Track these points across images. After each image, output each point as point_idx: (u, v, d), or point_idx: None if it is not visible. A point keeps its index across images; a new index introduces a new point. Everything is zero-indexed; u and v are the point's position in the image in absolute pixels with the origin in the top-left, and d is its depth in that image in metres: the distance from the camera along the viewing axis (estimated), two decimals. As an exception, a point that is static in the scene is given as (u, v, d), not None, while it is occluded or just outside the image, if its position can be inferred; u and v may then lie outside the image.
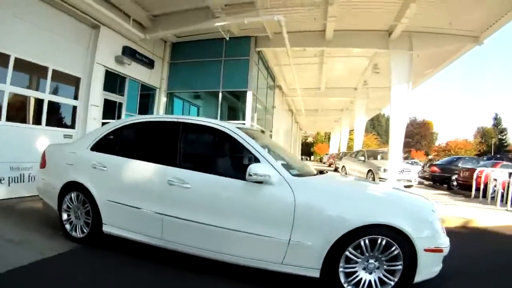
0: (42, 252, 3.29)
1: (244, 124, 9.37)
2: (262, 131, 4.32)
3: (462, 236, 5.24)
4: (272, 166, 2.91)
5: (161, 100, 9.84)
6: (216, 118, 9.64)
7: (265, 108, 12.65)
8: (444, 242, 2.73)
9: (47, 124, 6.14)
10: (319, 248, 2.63)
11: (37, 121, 6.06)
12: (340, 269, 2.60)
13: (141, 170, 3.40)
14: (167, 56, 9.87)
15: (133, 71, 8.30)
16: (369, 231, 2.58)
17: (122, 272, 3.10)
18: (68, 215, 3.75)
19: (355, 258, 2.60)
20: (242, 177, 2.86)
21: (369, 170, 11.32)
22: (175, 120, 3.56)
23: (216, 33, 8.24)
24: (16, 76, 5.52)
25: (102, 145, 3.75)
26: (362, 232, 2.57)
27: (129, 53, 7.84)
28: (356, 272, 2.61)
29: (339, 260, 2.59)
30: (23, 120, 5.90)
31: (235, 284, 2.94)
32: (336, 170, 16.84)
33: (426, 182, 14.47)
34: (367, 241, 2.57)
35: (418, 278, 2.60)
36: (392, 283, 2.58)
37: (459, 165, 12.70)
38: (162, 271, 3.15)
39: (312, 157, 58.16)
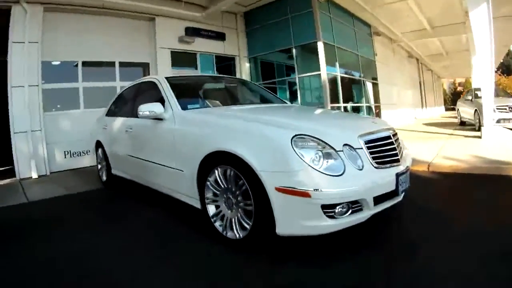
0: (73, 190, 4.64)
1: (319, 73, 9.10)
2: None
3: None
4: (169, 103, 3.03)
5: (243, 66, 10.42)
6: (294, 71, 9.81)
7: (357, 56, 11.52)
8: (317, 184, 1.89)
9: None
10: (190, 177, 2.58)
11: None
12: (207, 201, 2.48)
13: (119, 124, 4.06)
14: (240, 26, 10.30)
15: (202, 46, 9.02)
16: (221, 160, 2.31)
17: (108, 202, 4.01)
18: (100, 166, 4.85)
19: (215, 190, 2.42)
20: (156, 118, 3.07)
21: (475, 110, 8.88)
22: (137, 81, 4.10)
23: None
24: (88, 73, 7.06)
25: (109, 111, 4.64)
26: (216, 161, 2.35)
27: (191, 32, 8.57)
28: (219, 206, 2.43)
29: (204, 191, 2.48)
30: (100, 106, 7.37)
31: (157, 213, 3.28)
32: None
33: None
34: (220, 171, 2.34)
35: (281, 229, 2.01)
36: (248, 227, 2.17)
37: None
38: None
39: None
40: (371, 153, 2.21)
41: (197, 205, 2.62)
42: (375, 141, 2.32)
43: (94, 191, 4.55)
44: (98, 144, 4.71)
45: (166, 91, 3.19)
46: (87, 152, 6.79)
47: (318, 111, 3.48)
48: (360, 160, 2.13)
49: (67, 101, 6.94)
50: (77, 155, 6.87)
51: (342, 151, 2.08)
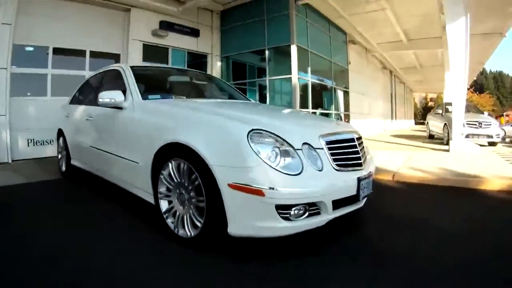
0: (32, 179, 4.44)
1: (290, 77, 9.09)
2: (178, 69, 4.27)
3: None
4: (130, 92, 2.88)
5: (215, 64, 10.22)
6: (265, 74, 9.67)
7: (330, 63, 11.63)
8: (272, 182, 1.79)
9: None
10: (145, 169, 2.41)
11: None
12: (160, 195, 2.32)
13: (81, 112, 3.83)
14: (215, 23, 10.13)
15: (175, 41, 8.79)
16: (175, 153, 2.17)
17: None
18: (60, 155, 4.56)
19: (168, 185, 2.26)
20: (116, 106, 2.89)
21: (445, 124, 9.10)
22: (102, 69, 3.90)
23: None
24: (58, 60, 6.73)
25: (73, 99, 4.39)
26: (170, 154, 2.21)
27: (166, 26, 8.36)
28: (172, 202, 2.28)
29: (157, 185, 2.32)
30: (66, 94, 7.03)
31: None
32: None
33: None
34: (174, 164, 2.19)
35: (233, 229, 1.90)
36: (199, 224, 2.03)
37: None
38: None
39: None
40: (332, 154, 2.13)
41: (151, 200, 2.47)
42: (337, 143, 2.25)
43: (52, 181, 4.33)
44: (60, 133, 4.45)
45: (129, 79, 3.04)
46: (50, 142, 6.47)
47: (283, 110, 3.40)
48: (320, 161, 2.04)
49: (34, 87, 6.61)
50: (41, 144, 6.54)
51: (301, 149, 1.99)
